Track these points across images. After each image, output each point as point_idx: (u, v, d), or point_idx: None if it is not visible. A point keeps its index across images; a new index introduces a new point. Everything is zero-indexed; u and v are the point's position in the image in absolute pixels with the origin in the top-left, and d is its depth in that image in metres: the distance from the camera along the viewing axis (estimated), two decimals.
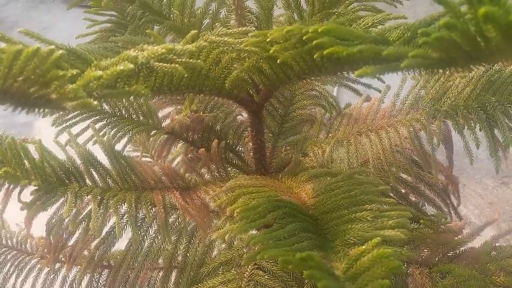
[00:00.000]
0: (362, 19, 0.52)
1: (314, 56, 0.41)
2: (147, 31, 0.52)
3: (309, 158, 0.77)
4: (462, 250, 0.76)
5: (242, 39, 0.52)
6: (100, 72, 0.37)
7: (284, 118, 0.88)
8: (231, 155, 0.87)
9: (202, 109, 0.85)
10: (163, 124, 0.85)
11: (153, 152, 1.15)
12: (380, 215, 0.46)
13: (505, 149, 0.65)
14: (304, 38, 0.40)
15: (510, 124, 0.70)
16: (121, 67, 0.37)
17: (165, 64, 0.42)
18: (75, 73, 0.37)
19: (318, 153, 0.76)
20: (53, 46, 0.35)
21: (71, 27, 3.46)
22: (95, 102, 0.36)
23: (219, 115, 0.86)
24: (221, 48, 0.54)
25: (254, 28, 0.70)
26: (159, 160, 0.87)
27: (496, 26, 0.23)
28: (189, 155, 0.84)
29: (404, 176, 0.89)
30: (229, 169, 0.85)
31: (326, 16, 0.64)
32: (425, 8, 3.52)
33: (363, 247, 0.37)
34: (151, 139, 0.88)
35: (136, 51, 0.43)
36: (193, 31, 0.49)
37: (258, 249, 0.40)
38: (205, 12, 0.73)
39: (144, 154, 1.14)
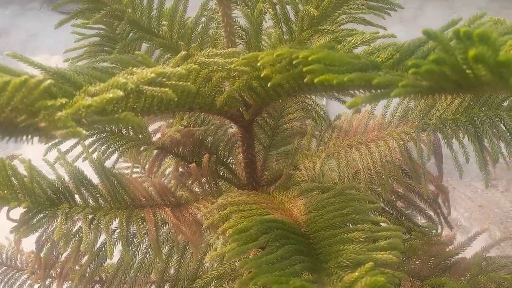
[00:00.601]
0: (351, 38, 0.52)
1: (305, 80, 0.41)
2: (136, 52, 0.52)
3: (300, 172, 0.76)
4: (453, 261, 0.76)
5: (232, 59, 0.51)
6: (89, 101, 0.36)
7: (274, 131, 0.88)
8: (222, 168, 0.87)
9: (193, 123, 0.85)
10: (154, 139, 0.85)
11: (144, 162, 1.14)
12: (372, 235, 0.46)
13: (494, 162, 0.66)
14: (294, 62, 0.40)
15: (499, 135, 0.70)
16: (110, 95, 0.37)
17: (155, 88, 0.42)
18: (64, 102, 0.36)
19: (309, 167, 0.76)
20: (41, 77, 0.35)
21: (59, 34, 3.44)
22: (84, 132, 0.36)
23: (210, 129, 0.85)
24: (211, 68, 0.53)
25: (243, 45, 0.69)
26: (150, 175, 0.87)
27: (485, 65, 0.23)
28: (180, 170, 0.83)
29: (394, 185, 0.89)
30: (220, 182, 0.84)
31: (316, 33, 0.64)
32: (412, 13, 3.55)
33: (356, 273, 0.37)
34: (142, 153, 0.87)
35: (126, 75, 0.43)
36: (182, 52, 0.49)
37: (251, 274, 0.40)
38: (193, 28, 0.73)
39: (135, 165, 1.13)
